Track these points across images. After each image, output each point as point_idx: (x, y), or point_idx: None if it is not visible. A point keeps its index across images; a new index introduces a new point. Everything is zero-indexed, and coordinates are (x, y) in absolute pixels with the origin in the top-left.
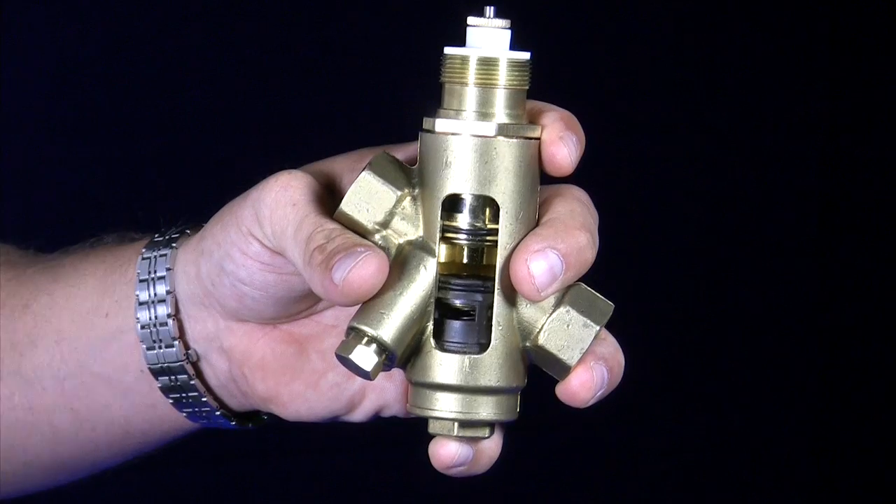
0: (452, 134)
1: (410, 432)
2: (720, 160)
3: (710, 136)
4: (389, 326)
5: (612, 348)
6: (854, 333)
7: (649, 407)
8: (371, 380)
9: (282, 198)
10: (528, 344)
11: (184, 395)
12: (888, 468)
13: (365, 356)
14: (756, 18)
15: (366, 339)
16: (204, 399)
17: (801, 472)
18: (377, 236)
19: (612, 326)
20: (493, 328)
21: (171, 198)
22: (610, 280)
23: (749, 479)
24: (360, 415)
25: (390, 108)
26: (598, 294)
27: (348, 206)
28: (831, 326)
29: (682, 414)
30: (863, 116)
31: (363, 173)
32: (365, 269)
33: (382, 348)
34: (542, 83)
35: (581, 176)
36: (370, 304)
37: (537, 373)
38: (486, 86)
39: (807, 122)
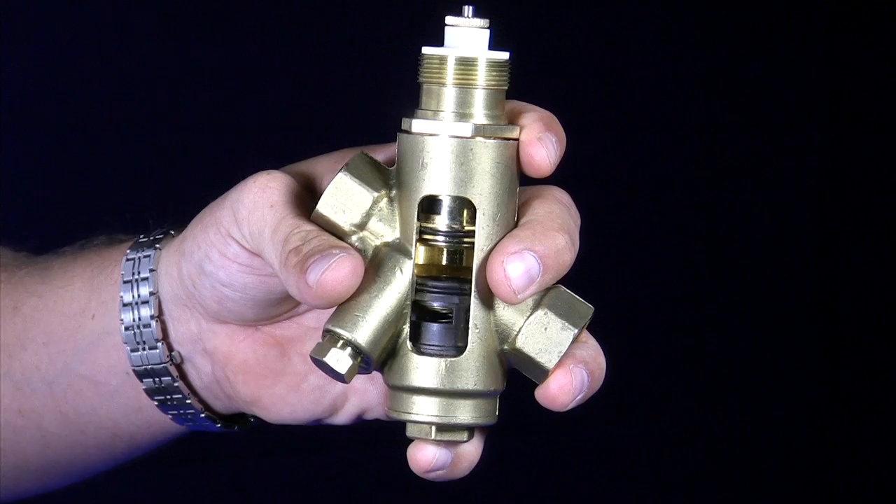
0: (430, 135)
1: (394, 435)
2: (704, 157)
3: (692, 134)
4: (365, 329)
5: (592, 351)
6: (854, 332)
7: (640, 408)
8: (346, 383)
9: (260, 199)
10: (506, 347)
11: (168, 397)
12: (888, 468)
13: (339, 359)
14: (746, 14)
15: (341, 342)
16: (189, 401)
17: (801, 472)
18: (354, 238)
19: (603, 329)
20: (471, 331)
21: (160, 199)
22: (601, 282)
23: (746, 480)
24: (342, 417)
25: (372, 109)
26: (577, 296)
27: (325, 207)
28: (831, 325)
29: (675, 414)
30: (863, 114)
31: (339, 174)
32: (339, 271)
33: (357, 351)
34: (522, 83)
35: (564, 176)
36: (346, 306)
37: (521, 376)
38: (464, 86)
39: (805, 121)
